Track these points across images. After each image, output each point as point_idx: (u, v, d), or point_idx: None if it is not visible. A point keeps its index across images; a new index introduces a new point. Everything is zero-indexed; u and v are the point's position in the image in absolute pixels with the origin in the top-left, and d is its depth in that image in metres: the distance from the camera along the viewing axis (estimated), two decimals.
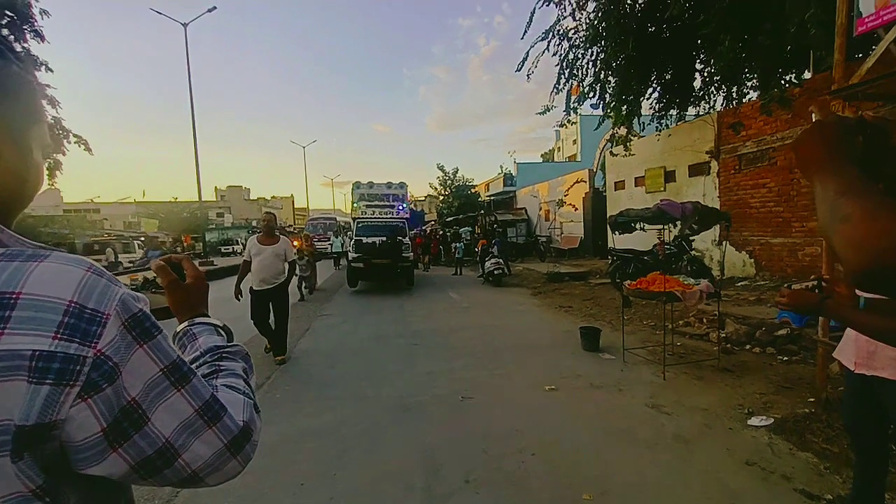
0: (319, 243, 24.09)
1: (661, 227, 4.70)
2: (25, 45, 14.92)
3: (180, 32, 19.25)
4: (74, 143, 16.73)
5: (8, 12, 13.70)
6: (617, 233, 5.33)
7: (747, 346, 5.42)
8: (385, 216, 13.22)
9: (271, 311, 5.31)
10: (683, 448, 3.05)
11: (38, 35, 14.97)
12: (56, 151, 16.18)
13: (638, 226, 5.24)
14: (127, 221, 41.92)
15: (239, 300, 5.20)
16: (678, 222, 4.51)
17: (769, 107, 7.46)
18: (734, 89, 9.28)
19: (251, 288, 5.22)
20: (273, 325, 5.35)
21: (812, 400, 3.54)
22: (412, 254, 12.00)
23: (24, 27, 14.63)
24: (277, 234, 5.54)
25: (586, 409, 3.77)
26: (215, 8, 19.46)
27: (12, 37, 14.49)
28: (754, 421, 3.38)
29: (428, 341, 6.26)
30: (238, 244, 32.83)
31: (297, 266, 10.74)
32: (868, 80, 2.68)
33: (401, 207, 13.68)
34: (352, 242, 11.66)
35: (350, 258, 11.20)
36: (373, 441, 3.25)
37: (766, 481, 2.61)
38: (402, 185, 13.95)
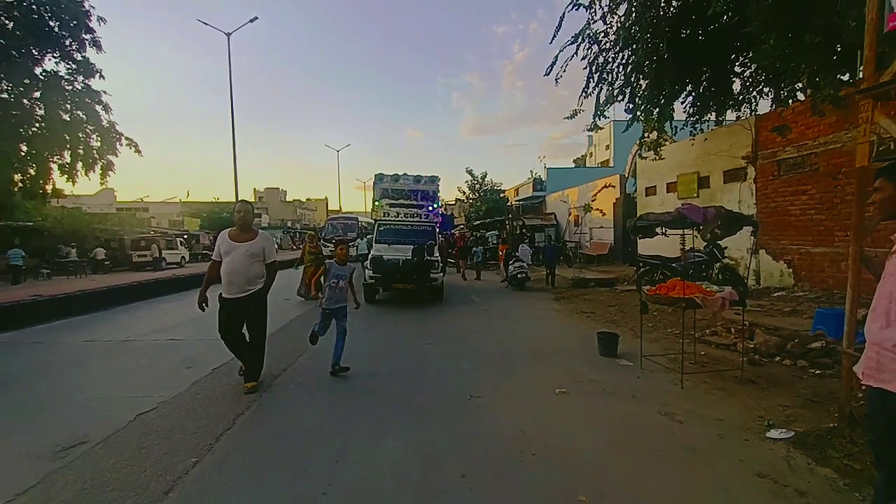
0: None
1: (681, 232, 4.54)
2: (85, 54, 16.15)
3: (224, 41, 20.21)
4: (126, 145, 17.93)
5: (66, 17, 14.79)
6: (639, 237, 5.21)
7: (777, 358, 5.15)
8: (412, 219, 10.88)
9: (242, 325, 4.25)
10: (692, 458, 2.93)
11: (97, 45, 16.19)
12: (110, 152, 17.40)
13: (660, 230, 5.10)
14: (172, 220, 44.16)
15: (203, 310, 4.15)
16: (700, 227, 4.34)
17: (820, 107, 7.05)
18: (782, 90, 8.84)
19: (220, 295, 4.14)
20: (248, 339, 4.31)
21: (838, 415, 3.33)
22: (443, 272, 9.99)
23: (85, 37, 15.84)
24: (255, 228, 4.48)
25: (595, 415, 3.68)
26: (257, 18, 20.38)
27: (75, 45, 15.76)
28: (773, 434, 3.21)
29: (443, 342, 6.28)
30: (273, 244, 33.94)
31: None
32: None
33: (431, 208, 11.03)
34: (368, 256, 9.71)
35: (366, 276, 9.29)
36: (376, 435, 3.30)
37: (778, 495, 2.48)
38: (434, 180, 11.23)
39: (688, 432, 3.31)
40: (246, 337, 4.28)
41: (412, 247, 9.25)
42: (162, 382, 4.49)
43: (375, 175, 11.25)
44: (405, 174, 11.16)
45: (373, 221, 11.56)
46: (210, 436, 3.25)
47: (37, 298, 8.73)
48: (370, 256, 9.44)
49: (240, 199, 4.23)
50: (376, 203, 11.10)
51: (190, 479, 2.67)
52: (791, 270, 8.80)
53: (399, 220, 10.85)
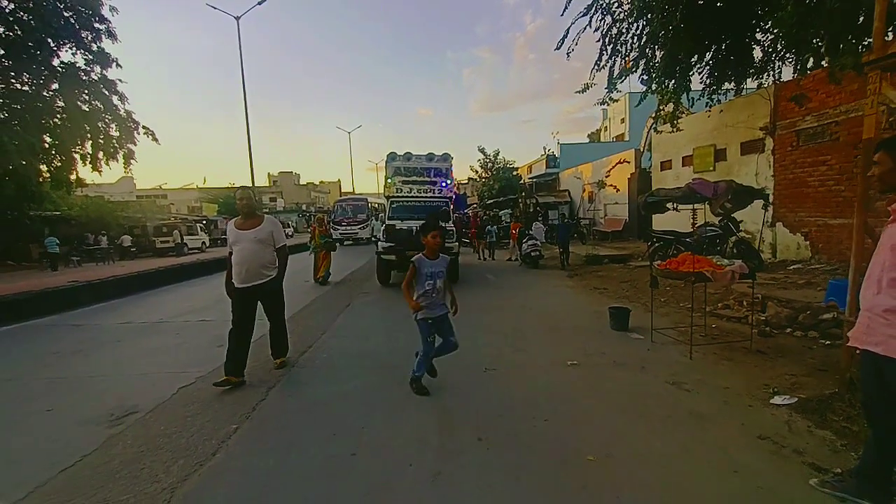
0: (348, 227, 23.01)
1: (692, 207, 4.59)
2: (101, 44, 16.39)
3: (234, 25, 20.20)
4: (144, 134, 18.32)
5: (81, 7, 14.96)
6: (653, 213, 5.26)
7: (788, 330, 5.23)
8: (425, 195, 10.91)
9: (256, 316, 4.18)
10: (696, 422, 3.10)
11: (112, 35, 16.41)
12: (129, 142, 17.82)
13: (671, 206, 5.15)
14: (190, 206, 45.06)
15: (232, 298, 4.14)
16: (711, 201, 4.39)
17: (838, 75, 6.86)
18: (805, 58, 8.54)
19: (234, 286, 4.09)
20: (269, 330, 4.46)
21: (839, 380, 3.44)
22: (458, 243, 9.93)
23: (99, 27, 16.04)
24: (260, 214, 4.36)
25: (605, 384, 3.86)
26: (264, 0, 20.23)
27: (91, 36, 16.00)
28: (777, 400, 3.35)
29: (458, 319, 6.43)
30: (289, 227, 34.54)
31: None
32: None
33: (444, 184, 11.11)
34: (381, 228, 9.79)
35: (379, 248, 9.33)
36: (397, 404, 3.54)
37: (777, 455, 2.63)
38: (446, 157, 11.22)
39: (694, 399, 3.47)
40: (253, 331, 4.16)
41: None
42: (196, 359, 4.81)
43: (388, 154, 11.16)
44: (418, 154, 11.10)
45: (385, 200, 11.57)
46: (246, 405, 3.53)
47: (74, 284, 9.21)
48: (383, 226, 9.56)
49: (240, 185, 4.09)
50: (388, 180, 11.01)
51: (232, 442, 2.96)
52: (808, 243, 8.72)
53: (412, 196, 10.86)
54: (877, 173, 2.06)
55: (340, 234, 22.32)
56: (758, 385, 3.68)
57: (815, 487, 2.28)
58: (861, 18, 6.38)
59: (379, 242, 9.31)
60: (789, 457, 2.61)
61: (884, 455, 2.10)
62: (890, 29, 4.64)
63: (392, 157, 11.05)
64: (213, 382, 3.89)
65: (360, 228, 23.24)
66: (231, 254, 4.14)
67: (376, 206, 25.23)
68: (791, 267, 8.30)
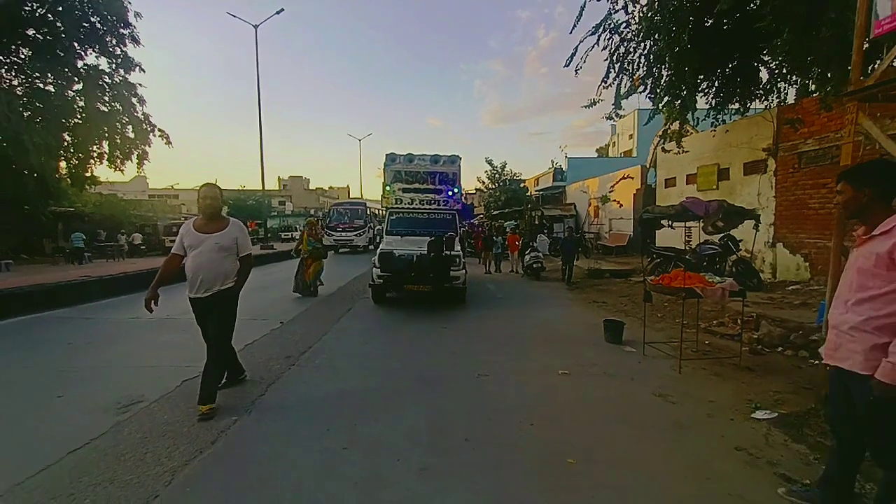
0: (344, 233, 21.47)
1: (684, 224, 4.72)
2: (124, 48, 16.96)
3: (252, 33, 20.80)
4: (159, 136, 18.81)
5: (107, 13, 15.54)
6: (649, 229, 5.39)
7: (780, 349, 5.31)
8: (429, 206, 9.47)
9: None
10: (678, 432, 3.20)
11: (135, 40, 16.98)
12: (144, 143, 18.32)
13: (666, 223, 5.29)
14: None
15: (151, 311, 3.50)
16: (702, 220, 4.53)
17: (829, 101, 7.01)
18: (807, 80, 8.68)
19: (187, 295, 3.61)
20: (207, 356, 3.70)
21: (816, 397, 3.53)
22: (465, 269, 8.28)
23: (123, 32, 16.62)
24: (227, 217, 3.85)
25: (593, 393, 3.98)
26: (283, 10, 20.83)
27: (115, 41, 16.57)
28: (758, 414, 3.44)
29: (456, 326, 6.64)
30: (297, 230, 34.96)
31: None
32: (884, 82, 2.68)
33: (451, 194, 9.50)
34: (376, 252, 8.04)
35: (373, 277, 7.94)
36: (391, 404, 3.69)
37: (750, 465, 2.74)
38: (454, 160, 9.58)
39: (678, 411, 3.58)
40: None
41: (428, 239, 7.85)
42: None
43: (387, 155, 9.56)
44: (421, 155, 9.58)
45: (384, 210, 10.08)
46: (247, 399, 3.70)
47: (86, 279, 9.48)
48: (378, 252, 7.99)
49: (206, 183, 3.73)
50: (387, 188, 9.49)
51: (231, 432, 3.12)
52: (808, 264, 8.77)
53: (413, 208, 9.45)
54: (840, 201, 2.20)
55: (335, 240, 20.98)
56: (742, 400, 3.77)
57: (783, 496, 2.38)
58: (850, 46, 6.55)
59: (373, 269, 7.97)
60: (762, 467, 2.71)
61: (846, 467, 2.21)
62: (875, 62, 4.77)
63: (392, 158, 9.51)
64: (198, 417, 3.31)
65: (356, 235, 21.69)
66: (172, 255, 3.59)
67: (376, 211, 24.14)
68: (790, 287, 8.35)
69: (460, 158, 9.64)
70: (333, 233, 21.37)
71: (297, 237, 10.75)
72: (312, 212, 54.82)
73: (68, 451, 2.84)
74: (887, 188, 2.04)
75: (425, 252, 7.64)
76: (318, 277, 9.11)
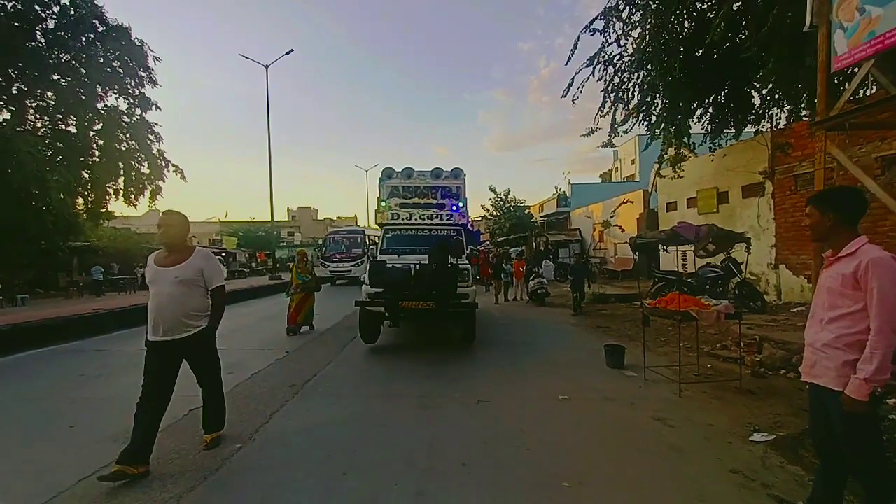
0: (340, 264, 19.81)
1: (676, 248, 4.84)
2: (142, 89, 17.88)
3: (262, 73, 21.79)
4: (173, 171, 19.51)
5: (128, 58, 16.50)
6: (643, 253, 5.51)
7: (782, 371, 5.29)
8: (430, 221, 8.23)
9: (176, 381, 3.24)
10: (674, 455, 3.23)
11: (153, 81, 17.92)
12: (158, 178, 19.01)
13: (660, 247, 5.41)
14: (212, 238, 46.64)
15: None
16: (693, 244, 4.64)
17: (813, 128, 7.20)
18: (800, 107, 8.92)
19: (146, 339, 3.21)
20: (202, 395, 3.43)
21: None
22: (474, 287, 7.17)
23: (142, 74, 17.58)
24: (192, 246, 3.48)
25: (592, 418, 4.01)
26: (292, 51, 21.92)
27: (134, 83, 17.50)
28: (756, 437, 3.46)
29: (458, 353, 6.69)
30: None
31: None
32: (845, 113, 2.85)
33: (455, 207, 8.32)
34: (367, 268, 7.00)
35: (364, 294, 6.63)
36: (391, 429, 3.75)
37: (745, 487, 2.76)
38: (458, 173, 8.49)
39: (676, 435, 3.60)
40: (169, 402, 3.24)
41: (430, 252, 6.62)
42: None
43: (383, 171, 8.49)
44: (421, 171, 8.47)
45: (379, 228, 8.91)
46: (251, 427, 3.79)
47: (99, 312, 9.72)
48: (369, 265, 7.00)
49: (166, 210, 3.39)
50: (382, 203, 8.31)
51: (235, 460, 3.20)
52: (812, 286, 8.74)
53: (413, 224, 8.22)
54: (808, 225, 2.33)
55: (331, 271, 19.55)
56: (741, 423, 3.78)
57: None
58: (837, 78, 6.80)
59: (363, 286, 6.81)
60: (756, 489, 2.73)
61: (830, 485, 2.25)
62: (854, 93, 4.98)
63: (388, 173, 8.40)
64: (98, 477, 2.81)
65: (353, 266, 19.50)
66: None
67: (375, 239, 22.89)
68: (794, 309, 8.32)
69: (464, 173, 8.64)
70: (329, 263, 19.95)
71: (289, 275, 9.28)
72: (322, 241, 55.51)
73: (79, 478, 2.95)
74: (849, 212, 2.17)
75: (426, 263, 6.47)
76: (308, 315, 8.32)
